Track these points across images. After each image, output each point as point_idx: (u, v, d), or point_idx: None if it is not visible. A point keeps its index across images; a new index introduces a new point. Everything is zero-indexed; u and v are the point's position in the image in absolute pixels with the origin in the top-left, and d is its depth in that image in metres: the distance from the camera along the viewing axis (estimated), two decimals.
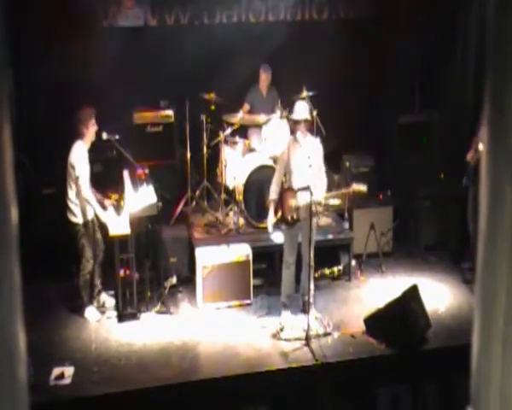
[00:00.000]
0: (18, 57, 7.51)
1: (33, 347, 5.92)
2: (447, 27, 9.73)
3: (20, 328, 1.29)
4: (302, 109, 7.15)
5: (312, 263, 7.00)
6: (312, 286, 7.07)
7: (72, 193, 7.17)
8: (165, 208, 7.67)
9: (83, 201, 7.17)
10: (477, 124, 7.44)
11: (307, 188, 6.82)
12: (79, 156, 7.10)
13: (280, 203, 7.16)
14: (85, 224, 7.23)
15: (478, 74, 9.37)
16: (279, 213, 7.19)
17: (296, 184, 7.06)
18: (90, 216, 7.28)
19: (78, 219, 7.20)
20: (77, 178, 7.07)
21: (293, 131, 7.29)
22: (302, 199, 6.97)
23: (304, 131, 7.09)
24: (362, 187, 7.09)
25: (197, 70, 9.03)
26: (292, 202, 7.06)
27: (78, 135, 7.15)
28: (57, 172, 8.04)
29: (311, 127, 7.39)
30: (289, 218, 7.11)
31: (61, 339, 7.04)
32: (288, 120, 8.12)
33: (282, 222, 7.23)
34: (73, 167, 7.07)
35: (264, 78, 9.15)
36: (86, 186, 7.11)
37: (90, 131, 7.15)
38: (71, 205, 7.19)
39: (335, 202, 7.44)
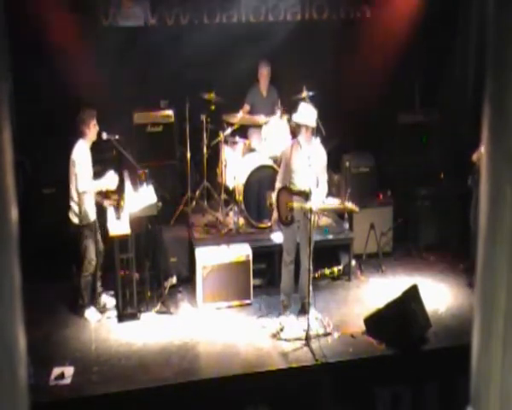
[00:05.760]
0: (18, 57, 7.52)
1: (33, 347, 5.93)
2: (447, 27, 9.74)
3: (20, 328, 1.29)
4: (305, 113, 7.10)
5: (311, 267, 7.00)
6: (311, 289, 7.05)
7: (74, 193, 7.17)
8: (165, 208, 7.67)
9: (85, 202, 7.17)
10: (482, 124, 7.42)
11: (304, 193, 6.83)
12: (81, 154, 7.11)
13: (276, 202, 7.17)
14: (87, 225, 7.22)
15: (478, 74, 9.37)
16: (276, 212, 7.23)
17: (295, 185, 7.06)
18: (92, 218, 7.28)
19: (79, 220, 7.20)
20: (75, 174, 7.07)
21: (295, 134, 7.26)
22: (297, 202, 6.98)
23: (307, 136, 7.04)
24: (355, 207, 7.08)
25: (197, 70, 9.02)
26: (287, 203, 7.06)
27: (79, 135, 7.16)
28: (57, 172, 8.05)
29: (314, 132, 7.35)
30: (284, 218, 7.13)
31: (61, 339, 7.04)
32: (290, 120, 8.10)
33: (278, 220, 7.28)
34: (74, 164, 7.07)
35: (265, 73, 9.11)
36: (85, 182, 7.11)
37: (92, 131, 7.17)
38: (73, 206, 7.18)
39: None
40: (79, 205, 7.17)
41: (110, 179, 7.26)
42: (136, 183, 7.48)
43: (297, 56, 9.47)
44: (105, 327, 7.29)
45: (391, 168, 9.65)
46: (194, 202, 8.95)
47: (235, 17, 9.56)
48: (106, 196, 7.49)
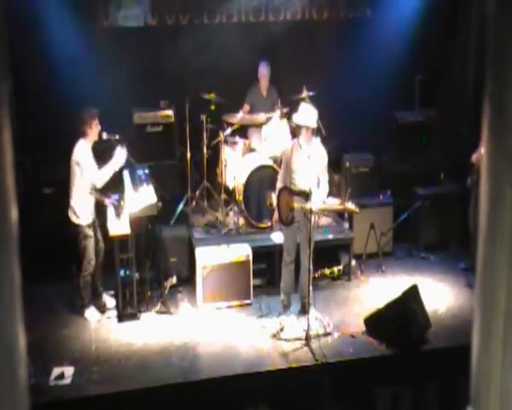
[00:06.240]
0: (18, 57, 7.52)
1: (33, 347, 5.93)
2: (447, 27, 9.74)
3: (20, 328, 1.29)
4: (306, 114, 7.09)
5: (311, 267, 7.00)
6: (311, 289, 7.05)
7: (75, 193, 7.16)
8: (165, 208, 7.67)
9: (85, 201, 7.17)
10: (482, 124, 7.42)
11: (304, 193, 6.82)
12: (84, 154, 7.11)
13: (277, 202, 7.17)
14: (87, 225, 7.22)
15: (478, 74, 9.38)
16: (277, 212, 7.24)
17: (296, 185, 7.07)
18: (92, 217, 7.28)
19: (80, 220, 7.19)
20: (83, 174, 7.07)
21: (295, 134, 7.27)
22: (297, 202, 6.98)
23: (307, 136, 7.04)
24: (355, 208, 7.06)
25: (197, 70, 9.03)
26: (288, 203, 7.06)
27: (80, 134, 7.16)
28: (57, 172, 8.06)
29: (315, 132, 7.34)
30: (285, 217, 7.13)
31: (61, 339, 7.04)
32: (289, 120, 8.10)
33: (279, 220, 7.28)
34: (79, 165, 7.07)
35: (265, 73, 9.10)
36: (98, 176, 7.13)
37: (94, 131, 7.16)
38: (73, 205, 7.18)
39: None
40: (79, 204, 7.17)
41: (120, 156, 7.23)
42: (136, 183, 7.48)
43: (297, 56, 9.47)
44: (105, 327, 7.29)
45: (391, 168, 9.65)
46: (194, 202, 8.95)
47: (235, 17, 9.57)
48: (106, 195, 7.48)
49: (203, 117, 8.65)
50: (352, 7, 9.88)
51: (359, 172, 9.22)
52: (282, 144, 8.10)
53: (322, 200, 7.02)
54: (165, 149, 9.11)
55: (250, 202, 8.47)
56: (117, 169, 7.25)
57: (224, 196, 8.68)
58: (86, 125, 7.13)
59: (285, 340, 6.96)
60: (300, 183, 7.04)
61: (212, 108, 8.69)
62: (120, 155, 7.22)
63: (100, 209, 7.46)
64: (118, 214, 7.33)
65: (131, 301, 7.33)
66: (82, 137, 7.15)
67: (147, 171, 7.64)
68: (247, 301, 7.71)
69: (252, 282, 7.74)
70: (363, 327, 7.07)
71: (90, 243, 7.24)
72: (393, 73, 9.44)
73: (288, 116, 8.31)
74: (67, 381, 6.27)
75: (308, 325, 6.83)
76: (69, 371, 6.40)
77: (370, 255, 8.71)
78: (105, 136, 7.28)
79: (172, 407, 6.27)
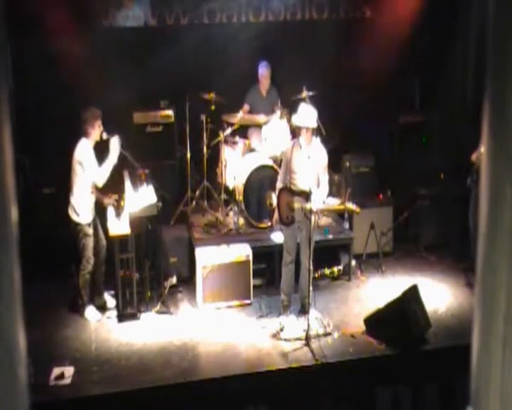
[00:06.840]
0: (18, 57, 7.52)
1: (33, 347, 5.91)
2: (447, 27, 9.74)
3: (20, 328, 1.29)
4: (305, 115, 7.08)
5: (311, 267, 7.00)
6: (311, 289, 7.05)
7: (76, 192, 7.16)
8: (165, 208, 7.67)
9: (86, 200, 7.18)
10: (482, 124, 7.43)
11: (305, 193, 6.82)
12: (86, 153, 7.11)
13: (277, 202, 7.18)
14: (87, 224, 7.22)
15: (478, 74, 9.38)
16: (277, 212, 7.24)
17: (296, 186, 7.07)
18: (93, 216, 7.28)
19: (80, 218, 7.20)
20: (85, 173, 7.07)
21: (295, 135, 7.27)
22: (297, 202, 6.98)
23: (307, 136, 7.03)
24: (355, 208, 7.05)
25: (197, 70, 9.03)
26: (288, 203, 7.06)
27: (83, 134, 7.16)
28: (57, 172, 8.06)
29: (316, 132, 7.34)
30: (285, 217, 7.13)
31: (61, 339, 7.05)
32: (289, 121, 8.10)
33: (279, 221, 7.28)
34: (81, 164, 7.07)
35: (265, 74, 9.10)
36: (98, 175, 7.13)
37: (96, 131, 7.17)
38: (74, 204, 7.18)
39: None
40: (80, 203, 7.17)
41: (114, 147, 7.18)
42: (136, 183, 7.48)
43: (297, 56, 9.47)
44: (105, 327, 7.29)
45: (391, 168, 9.65)
46: (194, 202, 8.95)
47: (235, 17, 9.57)
48: (106, 195, 7.47)
49: (203, 117, 8.65)
50: (352, 7, 9.88)
51: (359, 172, 9.22)
52: (282, 144, 8.10)
53: (322, 200, 7.02)
54: (165, 149, 9.12)
55: (250, 202, 8.47)
56: (115, 161, 7.22)
57: (223, 196, 8.68)
58: (89, 125, 7.13)
59: (285, 340, 6.96)
60: (300, 183, 7.04)
61: (212, 108, 8.69)
62: (115, 145, 7.20)
63: (100, 208, 7.46)
64: (118, 214, 7.33)
65: (131, 301, 7.33)
66: (84, 137, 7.16)
67: (147, 171, 7.64)
68: (247, 301, 7.71)
69: (252, 282, 7.74)
70: (363, 327, 7.07)
71: (90, 242, 7.25)
72: (393, 73, 9.44)
73: (288, 116, 8.31)
74: (67, 381, 6.27)
75: (308, 325, 6.83)
76: (69, 371, 6.40)
77: (370, 255, 8.72)
78: (105, 136, 7.29)
79: (172, 407, 6.27)
